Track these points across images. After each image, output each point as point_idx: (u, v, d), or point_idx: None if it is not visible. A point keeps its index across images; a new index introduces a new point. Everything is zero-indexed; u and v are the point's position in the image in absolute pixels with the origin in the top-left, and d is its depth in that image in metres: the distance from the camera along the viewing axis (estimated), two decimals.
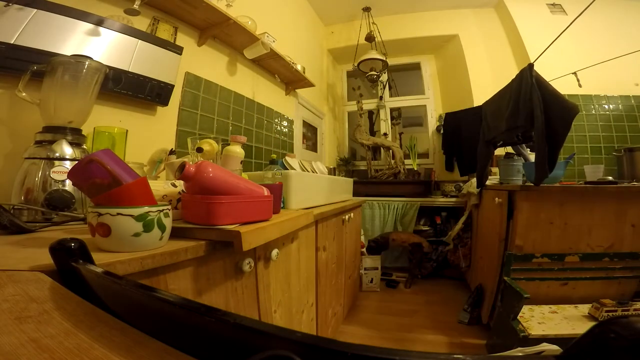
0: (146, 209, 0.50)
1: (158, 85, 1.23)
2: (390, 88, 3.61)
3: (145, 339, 0.24)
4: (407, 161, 3.18)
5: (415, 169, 3.15)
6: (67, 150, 0.78)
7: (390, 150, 3.15)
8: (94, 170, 0.52)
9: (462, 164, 2.80)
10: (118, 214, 0.47)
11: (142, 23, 1.25)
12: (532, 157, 1.85)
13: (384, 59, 2.92)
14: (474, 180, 2.16)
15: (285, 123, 2.42)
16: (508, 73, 1.89)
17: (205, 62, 1.59)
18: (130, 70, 1.12)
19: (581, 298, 1.48)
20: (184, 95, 1.44)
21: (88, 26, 1.00)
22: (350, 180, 2.17)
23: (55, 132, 0.80)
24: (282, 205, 1.09)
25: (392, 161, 3.11)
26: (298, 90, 2.63)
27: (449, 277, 2.54)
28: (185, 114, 1.44)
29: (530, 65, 1.51)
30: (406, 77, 3.67)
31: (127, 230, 0.48)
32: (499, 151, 2.19)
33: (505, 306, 1.36)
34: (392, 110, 3.54)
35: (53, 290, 0.34)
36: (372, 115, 3.63)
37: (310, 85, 2.52)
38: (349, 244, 1.81)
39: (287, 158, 1.60)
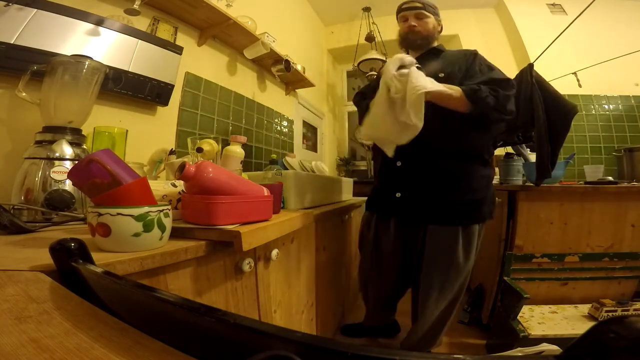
0: (146, 209, 0.50)
1: (158, 85, 1.23)
2: None
3: (145, 339, 0.24)
4: None
5: None
6: (67, 150, 0.78)
7: None
8: (94, 170, 0.52)
9: None
10: (118, 214, 0.47)
11: (142, 23, 1.25)
12: (532, 157, 1.85)
13: (384, 59, 2.92)
14: None
15: (285, 123, 2.42)
16: (508, 73, 1.87)
17: (205, 62, 1.59)
18: (130, 70, 1.12)
19: (581, 298, 1.48)
20: (184, 95, 1.44)
21: (88, 26, 1.00)
22: (350, 180, 2.17)
23: (55, 132, 0.80)
24: (282, 205, 1.09)
25: None
26: (298, 90, 2.63)
27: None
28: (185, 114, 1.44)
29: (530, 65, 1.51)
30: None
31: (127, 230, 0.48)
32: (499, 151, 2.19)
33: (505, 306, 1.36)
34: None
35: (53, 290, 0.34)
36: None
37: (310, 85, 2.52)
38: (349, 244, 1.81)
39: (287, 158, 1.60)
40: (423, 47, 1.29)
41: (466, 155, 1.14)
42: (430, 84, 0.99)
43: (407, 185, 1.18)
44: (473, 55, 1.20)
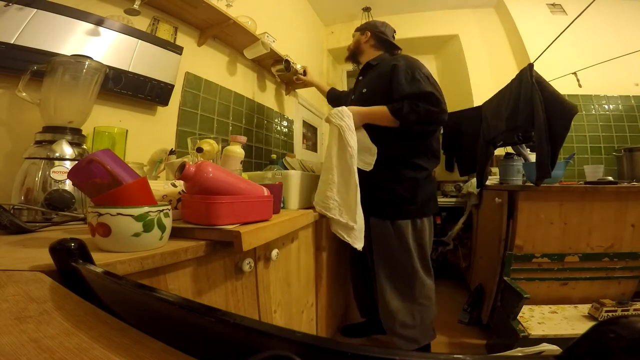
0: (146, 209, 0.50)
1: (158, 85, 1.23)
2: None
3: (145, 339, 0.24)
4: None
5: None
6: (67, 150, 0.78)
7: None
8: (94, 170, 0.52)
9: (462, 164, 2.79)
10: (118, 214, 0.47)
11: (142, 23, 1.25)
12: (532, 157, 1.85)
13: None
14: (474, 180, 2.16)
15: (285, 123, 2.42)
16: (508, 73, 1.89)
17: (205, 62, 1.59)
18: (130, 70, 1.12)
19: (581, 298, 1.48)
20: (184, 95, 1.44)
21: (88, 26, 1.00)
22: None
23: (55, 132, 0.80)
24: (282, 205, 1.09)
25: None
26: (298, 90, 2.63)
27: (449, 277, 2.54)
28: (185, 114, 1.44)
29: (530, 65, 1.51)
30: None
31: (127, 230, 0.48)
32: (499, 151, 2.19)
33: (505, 306, 1.36)
34: None
35: (53, 290, 0.34)
36: None
37: (311, 85, 2.52)
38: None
39: (287, 158, 1.60)
40: (358, 60, 1.56)
41: (393, 160, 1.32)
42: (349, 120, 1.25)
43: (360, 184, 1.35)
44: (393, 67, 1.32)
